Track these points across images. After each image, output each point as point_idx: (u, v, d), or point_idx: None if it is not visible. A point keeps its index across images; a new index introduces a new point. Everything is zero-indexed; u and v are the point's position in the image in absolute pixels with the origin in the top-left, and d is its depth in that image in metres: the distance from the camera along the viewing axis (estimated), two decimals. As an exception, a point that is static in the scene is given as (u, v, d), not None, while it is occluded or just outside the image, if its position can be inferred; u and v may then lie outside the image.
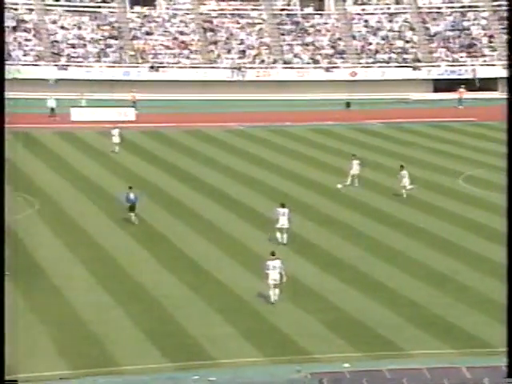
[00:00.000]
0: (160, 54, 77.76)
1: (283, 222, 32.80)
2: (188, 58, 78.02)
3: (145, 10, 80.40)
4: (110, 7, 79.96)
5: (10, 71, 73.01)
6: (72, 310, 26.21)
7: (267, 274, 26.48)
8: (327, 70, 77.92)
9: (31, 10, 77.90)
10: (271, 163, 49.06)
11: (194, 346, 23.71)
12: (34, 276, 29.28)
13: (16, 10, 77.30)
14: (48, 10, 78.21)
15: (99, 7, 79.65)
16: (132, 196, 35.45)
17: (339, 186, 40.87)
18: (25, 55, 75.13)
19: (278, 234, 32.93)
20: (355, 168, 42.71)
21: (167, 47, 78.36)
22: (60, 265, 30.55)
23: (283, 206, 33.32)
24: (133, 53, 77.50)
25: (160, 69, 76.39)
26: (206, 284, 28.76)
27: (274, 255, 26.88)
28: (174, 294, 27.74)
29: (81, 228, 35.27)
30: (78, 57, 76.17)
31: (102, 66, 75.57)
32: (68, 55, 76.08)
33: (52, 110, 63.21)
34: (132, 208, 35.20)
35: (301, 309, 26.56)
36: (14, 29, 76.26)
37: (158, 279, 29.21)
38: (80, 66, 75.24)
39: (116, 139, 51.26)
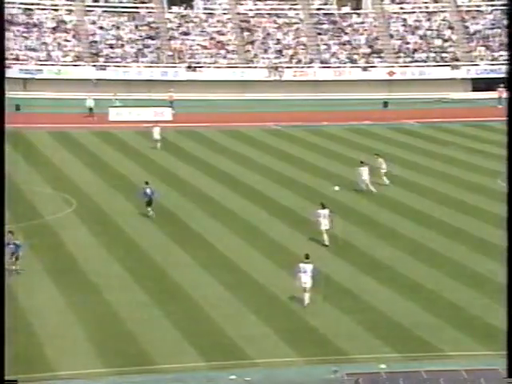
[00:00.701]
0: (197, 53, 77.97)
1: (325, 223, 32.58)
2: (225, 57, 78.14)
3: (182, 10, 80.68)
4: (148, 7, 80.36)
5: (51, 71, 73.76)
6: (109, 308, 26.34)
7: (298, 277, 26.31)
8: (364, 69, 77.54)
9: (71, 11, 78.55)
10: (308, 163, 48.93)
11: (230, 345, 23.70)
12: (73, 274, 29.48)
13: (56, 10, 78.02)
14: (87, 10, 78.81)
15: (137, 7, 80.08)
16: (148, 191, 36.25)
17: (336, 188, 40.11)
18: (64, 56, 75.79)
19: (325, 236, 32.63)
20: (384, 168, 42.49)
21: (204, 47, 78.55)
22: (98, 263, 30.73)
23: (323, 206, 33.07)
24: (170, 53, 77.81)
25: (197, 69, 76.60)
26: (242, 284, 28.74)
27: (307, 258, 26.72)
28: (210, 293, 27.76)
29: (118, 227, 35.46)
30: (116, 57, 76.67)
31: (139, 66, 75.97)
32: (106, 55, 76.61)
33: (90, 109, 63.67)
34: (149, 203, 35.88)
35: (338, 309, 26.43)
36: (54, 30, 76.96)
37: (194, 279, 29.26)
38: (118, 67, 75.72)
39: (157, 136, 51.66)
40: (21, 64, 73.62)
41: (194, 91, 72.32)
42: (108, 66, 75.56)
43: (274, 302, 26.91)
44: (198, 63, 77.13)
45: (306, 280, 26.19)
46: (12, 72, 72.52)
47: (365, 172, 41.18)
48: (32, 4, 77.73)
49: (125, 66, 75.87)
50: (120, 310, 26.18)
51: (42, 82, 71.81)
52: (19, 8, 77.27)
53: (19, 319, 25.18)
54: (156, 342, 23.83)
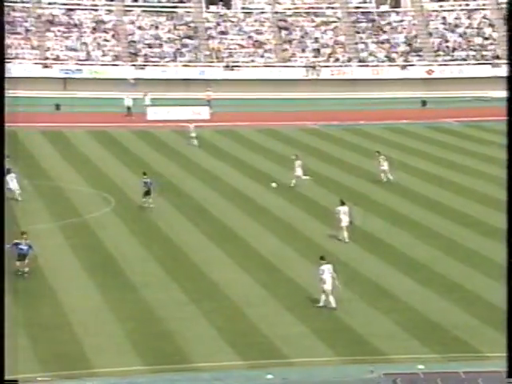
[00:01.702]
0: (235, 53, 78.11)
1: (345, 220, 32.60)
2: (262, 56, 78.16)
3: (220, 9, 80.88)
4: (186, 7, 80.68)
5: (90, 71, 74.36)
6: (147, 306, 26.50)
7: (321, 279, 26.17)
8: (403, 67, 77.07)
9: (110, 11, 79.15)
10: (345, 162, 48.76)
11: (267, 344, 23.71)
12: (111, 273, 29.71)
13: (96, 10, 78.66)
14: (127, 10, 79.34)
15: (176, 7, 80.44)
16: (148, 181, 37.24)
17: (273, 184, 41.14)
18: (103, 55, 76.39)
19: (345, 233, 32.72)
20: (384, 164, 42.74)
21: (242, 46, 78.65)
22: (135, 262, 30.93)
23: (343, 203, 33.12)
24: (208, 52, 78.04)
25: (235, 68, 76.73)
26: (278, 282, 28.73)
27: (323, 259, 26.60)
28: (246, 292, 27.80)
29: (155, 225, 35.65)
30: (154, 56, 77.09)
31: (177, 66, 76.31)
32: (145, 55, 77.06)
33: (129, 109, 64.08)
34: (147, 192, 36.95)
35: (375, 309, 26.31)
36: (94, 30, 77.61)
37: (230, 277, 29.32)
38: (156, 66, 76.13)
39: (193, 134, 52.36)
40: (61, 64, 74.34)
41: (231, 90, 72.44)
42: (146, 65, 76.01)
43: (311, 300, 26.85)
44: (235, 62, 77.25)
45: (328, 281, 26.00)
46: (52, 72, 73.32)
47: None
48: (72, 4, 78.43)
49: (163, 66, 76.26)
50: (157, 308, 26.32)
51: (81, 82, 72.44)
52: (60, 9, 78.01)
53: (58, 317, 25.44)
54: (193, 341, 23.93)
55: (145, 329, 24.83)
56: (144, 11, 79.49)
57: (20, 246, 28.33)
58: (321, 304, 26.06)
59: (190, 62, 77.06)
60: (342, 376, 21.92)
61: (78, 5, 78.61)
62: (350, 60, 78.13)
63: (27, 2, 77.38)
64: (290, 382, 21.63)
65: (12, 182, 39.07)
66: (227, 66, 76.73)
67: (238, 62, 77.38)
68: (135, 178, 44.43)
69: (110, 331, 24.56)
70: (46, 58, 74.57)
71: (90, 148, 52.70)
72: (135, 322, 25.26)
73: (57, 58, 74.93)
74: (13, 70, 72.20)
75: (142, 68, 75.54)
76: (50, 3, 77.91)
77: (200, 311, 26.11)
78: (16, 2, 77.12)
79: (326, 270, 26.06)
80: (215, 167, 47.51)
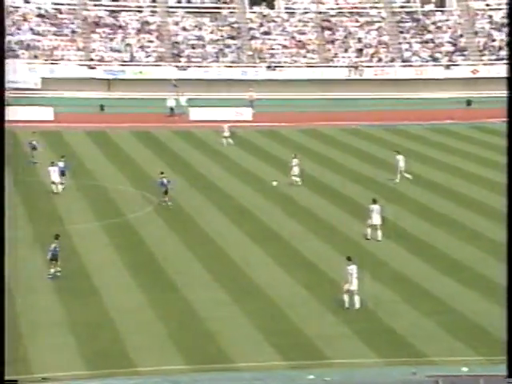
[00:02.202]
0: (277, 53, 78.10)
1: (376, 219, 32.65)
2: (305, 57, 78.04)
3: (264, 9, 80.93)
4: (229, 8, 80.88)
5: (134, 72, 74.89)
6: (189, 306, 26.61)
7: (349, 280, 26.06)
8: (447, 67, 76.37)
9: (155, 12, 79.65)
10: (387, 162, 48.46)
11: (309, 345, 23.68)
12: (153, 272, 29.88)
13: (140, 12, 79.20)
14: (171, 12, 79.77)
15: (219, 8, 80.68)
16: (165, 181, 37.54)
17: (274, 183, 41.77)
18: (147, 56, 76.90)
19: (369, 231, 32.75)
20: (401, 163, 42.87)
21: (285, 47, 78.60)
22: (177, 261, 31.08)
23: (375, 202, 33.20)
24: (251, 53, 78.15)
25: (277, 68, 76.71)
26: (320, 283, 28.66)
27: (350, 260, 26.51)
28: (288, 292, 27.78)
29: (197, 225, 35.78)
30: (197, 57, 77.41)
31: (220, 66, 76.54)
32: (188, 56, 77.42)
33: (171, 109, 64.43)
34: (166, 192, 37.38)
35: (417, 310, 26.12)
36: (138, 31, 78.17)
37: (272, 277, 29.32)
38: (199, 67, 76.45)
39: (227, 134, 52.59)
40: (105, 65, 75.02)
41: (273, 91, 72.42)
42: (189, 66, 76.34)
43: (352, 302, 26.69)
44: (278, 63, 77.24)
45: (353, 282, 25.94)
46: (97, 73, 74.00)
47: (401, 160, 42.59)
48: (118, 6, 79.08)
49: (205, 66, 76.54)
50: (199, 307, 26.42)
51: (125, 83, 72.97)
52: (105, 10, 78.72)
53: (102, 316, 25.67)
54: (235, 341, 23.98)
55: (187, 328, 24.94)
56: (188, 12, 79.83)
57: (56, 248, 28.58)
58: (346, 305, 25.97)
59: (232, 62, 77.23)
60: (383, 378, 21.80)
61: (123, 6, 79.24)
62: (393, 60, 77.64)
63: (74, 4, 78.20)
64: (331, 382, 21.56)
65: (54, 173, 39.75)
66: (269, 67, 76.74)
67: (280, 62, 77.33)
68: (177, 178, 44.66)
69: (152, 330, 24.71)
70: (91, 60, 75.28)
71: (133, 148, 53.08)
72: (177, 322, 25.39)
73: (101, 60, 75.61)
74: (58, 71, 73.11)
75: (185, 69, 75.87)
76: (95, 5, 78.66)
77: (241, 311, 26.15)
78: (63, 5, 77.99)
79: (352, 271, 26.02)
80: (257, 168, 47.54)
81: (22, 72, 72.11)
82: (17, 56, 73.94)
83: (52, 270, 28.57)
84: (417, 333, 24.35)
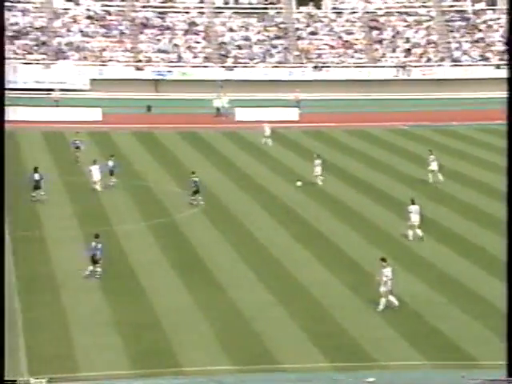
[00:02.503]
0: (324, 53, 77.88)
1: (415, 219, 32.80)
2: (352, 57, 77.70)
3: (311, 9, 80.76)
4: (276, 8, 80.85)
5: (181, 73, 75.29)
6: (234, 306, 26.63)
7: (384, 282, 25.89)
8: (497, 67, 75.39)
9: (202, 13, 79.98)
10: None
11: (355, 346, 23.54)
12: (199, 273, 29.98)
13: (188, 13, 79.60)
14: (218, 12, 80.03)
15: (266, 8, 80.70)
16: (197, 180, 38.51)
17: (299, 183, 42.05)
18: (194, 57, 77.27)
19: (410, 232, 32.76)
20: (433, 164, 42.94)
21: (332, 47, 78.36)
22: (223, 262, 31.12)
23: (413, 202, 33.35)
24: (297, 53, 78.03)
25: (324, 68, 76.48)
26: (366, 285, 28.45)
27: (385, 261, 26.30)
28: (334, 293, 27.66)
29: (244, 226, 35.82)
30: (243, 58, 77.54)
31: (266, 67, 76.56)
32: (234, 56, 77.60)
33: (218, 110, 64.61)
34: (196, 191, 38.27)
35: (465, 313, 25.82)
36: (186, 32, 78.57)
37: (318, 279, 29.21)
38: (246, 67, 76.56)
39: (267, 134, 52.96)
40: (153, 66, 75.54)
41: (320, 91, 72.24)
42: (236, 66, 76.50)
43: (399, 304, 26.50)
44: (324, 63, 77.01)
45: (388, 283, 25.78)
46: (144, 74, 74.56)
47: (432, 163, 42.82)
48: (165, 7, 79.58)
49: (252, 67, 76.62)
50: (244, 308, 26.43)
51: (172, 84, 73.43)
52: (153, 12, 79.26)
53: (148, 315, 25.82)
54: (280, 341, 23.93)
55: (233, 329, 24.97)
56: (235, 13, 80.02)
57: (96, 247, 28.79)
58: (381, 307, 25.82)
59: (279, 62, 77.19)
60: (430, 381, 21.58)
61: (171, 7, 79.71)
62: (442, 60, 76.91)
63: (122, 6, 78.89)
64: (377, 384, 21.40)
65: (95, 172, 40.39)
66: (316, 67, 76.54)
67: (327, 62, 77.11)
68: (223, 178, 44.82)
69: (198, 330, 24.78)
70: (139, 61, 75.88)
71: (180, 149, 53.35)
72: (223, 322, 25.42)
73: (149, 60, 76.17)
74: (106, 72, 73.83)
75: (231, 69, 76.06)
76: (143, 6, 79.24)
77: (287, 312, 26.10)
78: (111, 6, 78.73)
79: (387, 273, 25.87)
80: (303, 168, 47.43)
81: (71, 73, 72.97)
82: (67, 57, 74.84)
83: (90, 268, 28.80)
84: (465, 335, 24.07)
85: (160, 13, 79.25)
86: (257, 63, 76.93)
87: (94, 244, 28.76)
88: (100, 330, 24.67)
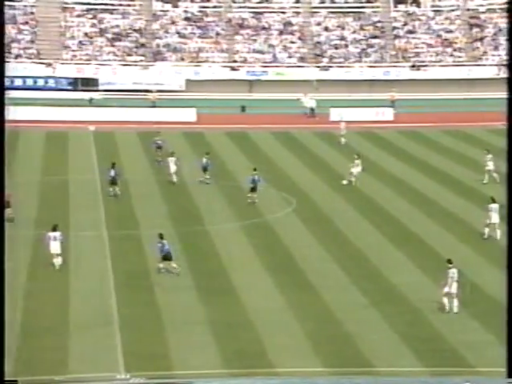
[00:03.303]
0: (422, 52, 76.63)
1: (495, 218, 32.47)
2: (451, 55, 76.20)
3: (409, 8, 79.62)
4: (373, 7, 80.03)
5: (275, 73, 75.36)
6: (327, 308, 26.37)
7: (447, 283, 25.34)
8: None
9: (298, 13, 79.85)
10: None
11: (450, 351, 22.98)
12: (291, 273, 29.81)
13: (284, 13, 79.60)
14: (314, 12, 79.74)
15: (363, 7, 80.00)
16: (256, 178, 38.42)
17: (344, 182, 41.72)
18: (289, 57, 77.20)
19: (486, 230, 32.43)
20: (490, 165, 42.56)
21: (430, 45, 77.04)
22: (315, 263, 30.87)
23: (494, 201, 32.84)
24: (394, 52, 77.03)
25: (421, 68, 75.26)
26: (462, 288, 27.70)
27: (450, 263, 25.64)
28: (429, 297, 27.04)
29: (336, 227, 35.47)
30: (339, 57, 77.03)
31: (362, 66, 75.85)
32: (330, 56, 77.16)
33: (312, 110, 64.32)
34: (253, 189, 38.26)
35: None
36: (281, 32, 78.60)
37: (412, 281, 28.66)
38: (341, 67, 76.02)
39: (343, 132, 53.20)
40: (248, 66, 75.82)
41: (417, 91, 71.08)
42: (331, 66, 76.05)
43: (498, 307, 25.69)
44: (422, 62, 75.78)
45: (453, 286, 25.21)
46: (239, 74, 74.93)
47: (488, 162, 42.53)
48: (261, 8, 79.79)
49: (347, 67, 76.03)
50: (337, 310, 26.13)
51: (266, 84, 73.51)
52: (249, 12, 79.59)
53: (240, 315, 25.79)
54: (373, 344, 23.57)
55: (325, 330, 24.71)
56: (331, 12, 79.56)
57: (164, 247, 28.95)
58: (447, 309, 25.26)
59: (375, 62, 76.38)
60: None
61: (267, 8, 79.86)
62: (546, 57, 74.62)
63: (219, 7, 79.52)
64: (473, 392, 20.75)
65: (171, 164, 41.75)
66: (413, 66, 75.38)
67: (425, 61, 75.85)
68: (316, 178, 44.52)
69: (290, 331, 24.62)
70: (234, 61, 76.30)
71: (273, 149, 53.30)
72: (315, 323, 25.18)
73: (244, 61, 76.50)
74: (202, 73, 74.51)
75: (327, 69, 75.63)
76: (240, 7, 79.67)
77: (380, 314, 25.67)
78: (208, 7, 79.44)
79: (455, 275, 25.34)
80: (397, 169, 46.72)
81: (167, 74, 73.96)
82: (164, 59, 75.89)
83: (161, 265, 28.97)
84: None
85: (256, 13, 79.49)
86: (352, 63, 76.30)
87: (159, 245, 28.96)
88: (193, 328, 24.78)
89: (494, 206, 32.83)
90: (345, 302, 26.76)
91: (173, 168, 41.98)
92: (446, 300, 25.44)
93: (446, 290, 25.43)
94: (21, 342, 23.44)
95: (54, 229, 29.73)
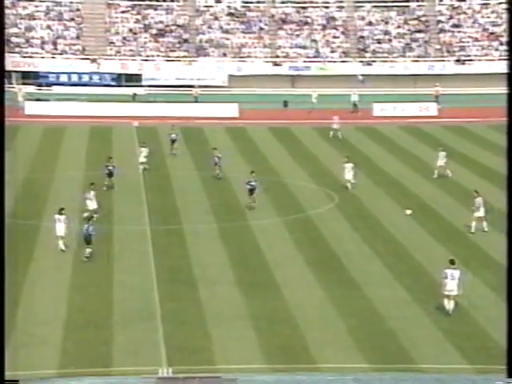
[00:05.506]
0: (467, 46, 75.79)
1: (481, 211, 32.61)
2: (497, 49, 75.25)
3: (455, 1, 78.79)
4: (418, 1, 79.34)
5: (318, 68, 75.12)
6: (370, 304, 26.23)
7: (444, 284, 24.95)
8: None
9: (341, 7, 79.50)
10: None
11: (496, 348, 22.71)
12: (333, 269, 29.71)
13: (327, 8, 79.31)
14: (357, 6, 79.32)
15: (408, 1, 79.35)
16: (253, 181, 37.16)
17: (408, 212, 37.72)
18: (332, 52, 76.89)
19: (484, 223, 32.53)
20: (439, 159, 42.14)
21: (475, 39, 76.17)
22: (358, 259, 30.73)
23: (477, 193, 32.96)
24: (439, 46, 76.29)
25: (466, 62, 74.44)
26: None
27: (453, 264, 25.21)
28: (473, 293, 26.77)
29: (378, 223, 35.26)
30: (382, 52, 76.52)
31: (406, 61, 75.26)
32: (373, 51, 76.69)
33: (354, 105, 64.01)
34: (251, 191, 37.13)
35: None
36: (324, 27, 78.31)
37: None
38: (385, 62, 75.53)
39: (336, 126, 53.24)
40: (290, 61, 75.69)
41: (462, 85, 70.37)
42: (374, 61, 75.59)
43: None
44: (467, 56, 74.95)
45: (453, 287, 24.84)
46: (282, 69, 74.84)
47: (441, 157, 42.49)
48: (305, 2, 79.55)
49: (391, 61, 75.50)
50: (380, 306, 25.99)
51: (309, 79, 73.33)
52: (293, 7, 79.41)
53: (283, 310, 25.77)
54: (416, 341, 23.41)
55: (367, 326, 24.59)
56: (374, 6, 79.06)
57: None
58: (449, 310, 24.98)
59: (419, 56, 75.74)
60: None
61: (310, 2, 79.60)
62: None
63: (262, 2, 79.47)
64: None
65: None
66: (458, 60, 74.59)
67: (470, 55, 75.01)
68: (359, 174, 44.20)
69: (332, 327, 24.54)
70: (277, 56, 76.20)
71: (316, 144, 53.15)
72: (358, 319, 25.07)
73: (286, 56, 76.37)
74: (245, 68, 74.56)
75: (370, 64, 75.20)
76: (283, 2, 79.53)
77: (424, 311, 25.48)
78: (252, 3, 79.44)
79: (456, 276, 24.98)
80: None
81: (210, 70, 74.16)
82: (207, 54, 76.09)
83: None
84: None
85: (299, 8, 79.29)
86: (396, 57, 75.74)
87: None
88: (235, 323, 24.82)
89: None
90: (388, 299, 26.59)
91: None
92: (445, 302, 25.08)
93: (448, 292, 24.94)
94: (66, 335, 23.68)
95: (60, 212, 30.50)
